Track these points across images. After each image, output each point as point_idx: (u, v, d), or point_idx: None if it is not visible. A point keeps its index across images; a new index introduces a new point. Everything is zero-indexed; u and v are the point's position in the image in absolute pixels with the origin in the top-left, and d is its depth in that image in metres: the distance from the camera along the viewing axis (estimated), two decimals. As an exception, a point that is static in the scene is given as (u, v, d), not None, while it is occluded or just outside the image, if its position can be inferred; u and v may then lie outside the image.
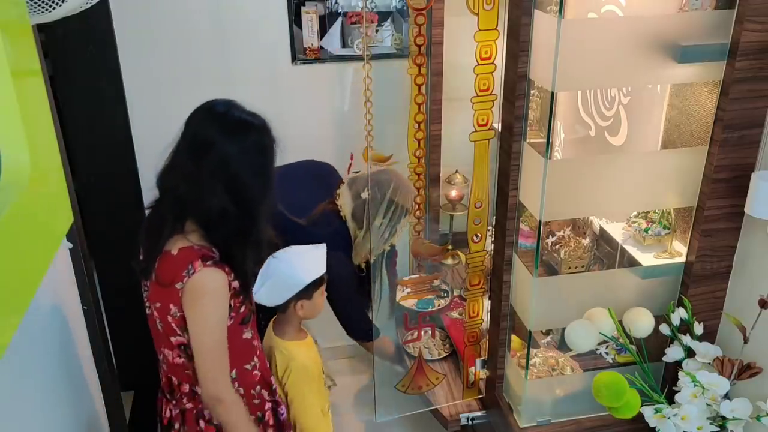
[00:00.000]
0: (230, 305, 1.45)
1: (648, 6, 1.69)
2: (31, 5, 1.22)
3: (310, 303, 1.80)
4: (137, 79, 2.42)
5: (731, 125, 1.43)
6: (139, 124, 2.47)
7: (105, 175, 2.46)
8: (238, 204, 1.40)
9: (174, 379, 1.55)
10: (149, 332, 1.59)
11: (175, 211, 1.42)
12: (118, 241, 2.25)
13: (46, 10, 1.24)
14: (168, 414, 1.60)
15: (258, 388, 1.62)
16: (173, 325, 1.45)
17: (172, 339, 1.48)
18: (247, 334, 1.57)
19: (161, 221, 1.44)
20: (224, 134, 1.39)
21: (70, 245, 1.67)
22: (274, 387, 1.68)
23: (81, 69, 2.30)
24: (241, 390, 1.58)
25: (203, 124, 1.41)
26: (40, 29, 1.57)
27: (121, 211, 2.46)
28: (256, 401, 1.62)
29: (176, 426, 1.60)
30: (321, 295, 1.84)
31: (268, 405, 1.65)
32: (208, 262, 1.38)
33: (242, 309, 1.51)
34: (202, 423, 1.57)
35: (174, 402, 1.57)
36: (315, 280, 1.77)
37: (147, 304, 1.51)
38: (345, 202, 2.08)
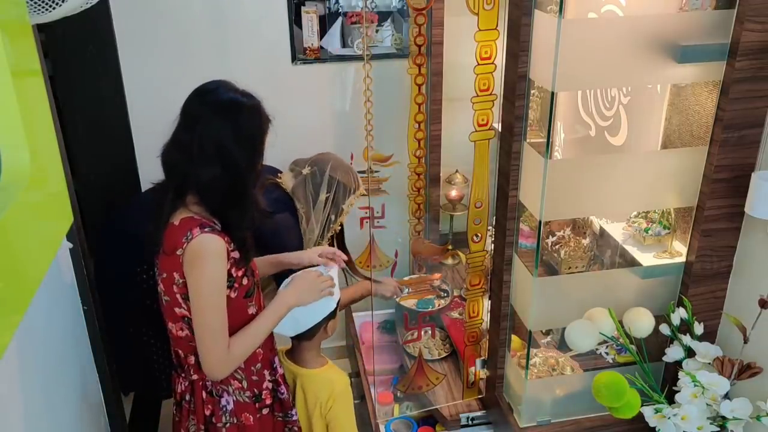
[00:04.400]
0: (233, 276, 1.50)
1: (648, 6, 1.69)
2: (31, 5, 1.22)
3: (334, 320, 1.80)
4: (137, 79, 2.42)
5: (731, 125, 1.43)
6: (139, 124, 2.47)
7: (105, 175, 2.45)
8: (226, 168, 1.45)
9: (180, 352, 1.58)
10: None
11: (175, 184, 1.49)
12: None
13: (46, 10, 1.24)
14: (180, 389, 1.65)
15: (259, 366, 1.64)
16: (177, 295, 1.49)
17: (177, 310, 1.52)
18: (252, 310, 1.59)
19: (165, 196, 1.51)
20: (210, 108, 1.47)
21: (70, 245, 1.67)
22: (275, 366, 1.70)
23: (81, 69, 2.30)
24: (242, 365, 1.60)
25: (194, 101, 1.50)
26: (40, 29, 1.57)
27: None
28: (255, 378, 1.64)
29: (187, 398, 1.64)
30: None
31: (267, 384, 1.67)
32: (206, 229, 1.45)
33: (245, 281, 1.54)
34: (204, 394, 1.61)
35: (183, 375, 1.62)
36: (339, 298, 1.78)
37: (158, 282, 1.54)
38: (287, 179, 2.15)
